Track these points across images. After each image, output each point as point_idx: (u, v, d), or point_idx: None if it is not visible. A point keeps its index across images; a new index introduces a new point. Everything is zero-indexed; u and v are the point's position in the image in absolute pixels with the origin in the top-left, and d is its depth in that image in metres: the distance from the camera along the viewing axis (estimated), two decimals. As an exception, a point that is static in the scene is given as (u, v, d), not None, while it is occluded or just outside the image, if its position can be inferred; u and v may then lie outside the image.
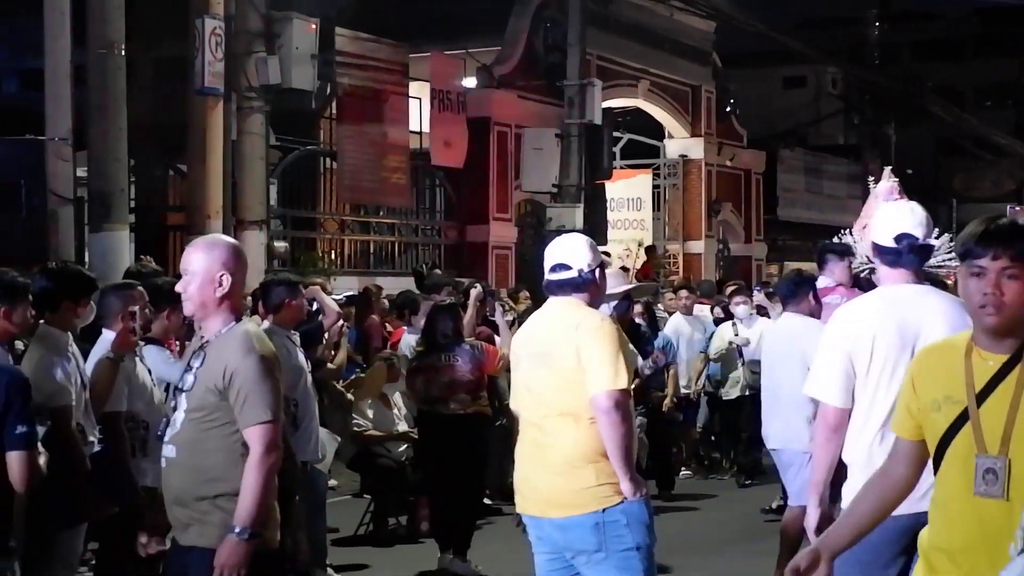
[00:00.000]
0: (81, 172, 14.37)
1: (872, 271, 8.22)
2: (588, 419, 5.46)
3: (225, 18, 15.46)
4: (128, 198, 15.16)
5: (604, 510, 5.43)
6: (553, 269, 5.73)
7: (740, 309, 13.86)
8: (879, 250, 5.37)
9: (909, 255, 5.25)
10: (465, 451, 9.61)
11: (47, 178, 13.72)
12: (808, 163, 34.75)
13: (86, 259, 14.30)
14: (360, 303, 14.36)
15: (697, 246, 28.85)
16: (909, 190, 10.36)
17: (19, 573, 5.54)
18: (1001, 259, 3.43)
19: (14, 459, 5.06)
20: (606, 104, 23.50)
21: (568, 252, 5.72)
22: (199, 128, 15.53)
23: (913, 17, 32.66)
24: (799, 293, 8.76)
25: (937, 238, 9.02)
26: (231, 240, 5.34)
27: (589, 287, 5.67)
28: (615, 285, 7.66)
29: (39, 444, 5.22)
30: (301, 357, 8.02)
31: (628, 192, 26.78)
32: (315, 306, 9.57)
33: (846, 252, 8.86)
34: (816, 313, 8.48)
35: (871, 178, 10.98)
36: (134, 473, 6.70)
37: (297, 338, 8.31)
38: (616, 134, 25.92)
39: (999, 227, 3.49)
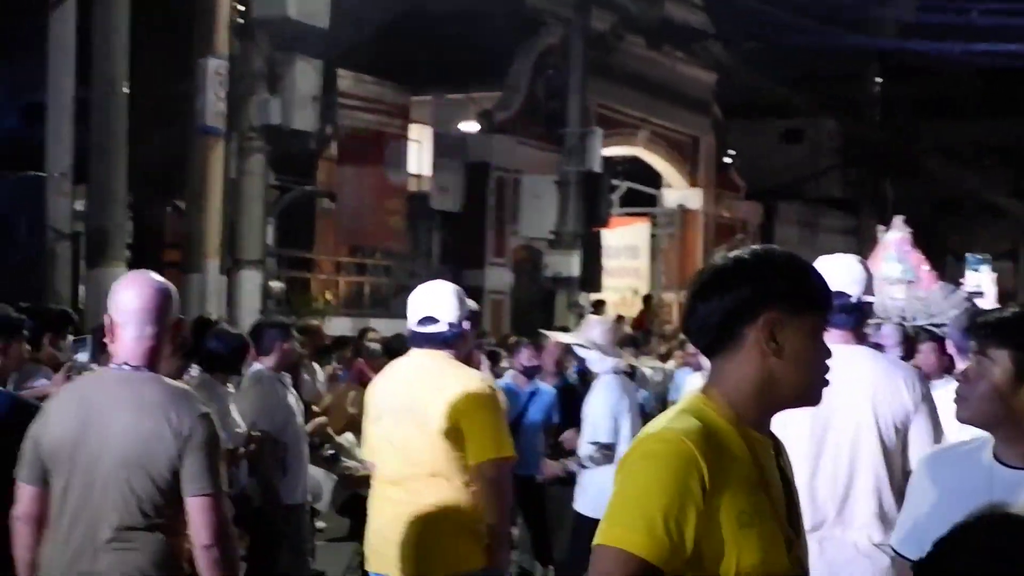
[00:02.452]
0: (79, 206, 14.41)
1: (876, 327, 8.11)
2: (461, 482, 5.33)
3: (229, 58, 15.52)
4: (125, 235, 15.20)
5: (467, 572, 5.32)
6: (421, 321, 5.50)
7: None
8: None
9: (841, 315, 4.79)
10: None
11: (46, 214, 13.76)
12: (804, 216, 34.84)
13: (81, 296, 14.33)
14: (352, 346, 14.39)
15: (693, 296, 28.81)
16: (905, 246, 10.35)
17: None
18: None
19: None
20: (606, 152, 23.61)
21: (435, 304, 5.51)
22: (199, 167, 15.57)
23: (914, 73, 32.73)
24: None
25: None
26: None
27: (457, 341, 5.47)
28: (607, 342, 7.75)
29: None
30: (291, 399, 8.01)
31: (625, 240, 26.86)
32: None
33: None
34: None
35: (881, 227, 10.84)
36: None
37: (288, 380, 8.31)
38: (615, 182, 26.02)
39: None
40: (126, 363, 4.36)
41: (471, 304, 5.67)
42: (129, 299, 4.35)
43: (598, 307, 21.95)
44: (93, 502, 4.28)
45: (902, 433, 4.68)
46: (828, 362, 4.47)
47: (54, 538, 4.35)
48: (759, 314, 2.69)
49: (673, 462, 2.54)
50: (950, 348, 5.96)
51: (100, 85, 13.83)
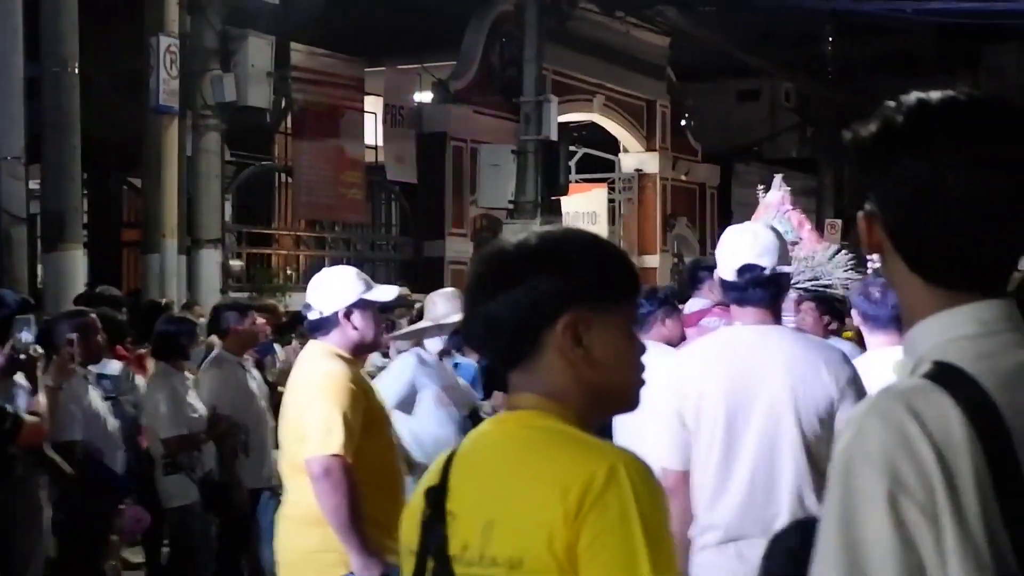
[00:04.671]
0: (34, 185, 14.29)
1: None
2: None
3: (180, 36, 15.42)
4: (81, 216, 15.09)
5: None
6: (305, 306, 5.20)
7: None
8: (723, 286, 4.48)
9: (756, 290, 4.34)
10: None
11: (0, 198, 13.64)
12: (763, 177, 34.85)
13: (39, 279, 14.23)
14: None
15: (652, 260, 28.92)
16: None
17: None
18: None
19: None
20: (562, 119, 23.56)
21: (315, 290, 5.11)
22: (154, 146, 15.48)
23: (870, 32, 32.81)
24: (649, 318, 6.80)
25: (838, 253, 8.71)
26: None
27: (332, 330, 5.01)
28: (449, 312, 6.95)
29: None
30: (253, 384, 7.99)
31: (583, 206, 26.85)
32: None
33: None
34: (676, 340, 6.78)
35: (760, 187, 9.96)
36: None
37: (250, 363, 8.29)
38: (572, 148, 25.99)
39: None
40: None
41: (379, 293, 5.12)
42: None
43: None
44: None
45: (827, 423, 4.17)
46: (745, 344, 4.32)
47: None
48: (557, 315, 2.24)
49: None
50: (856, 317, 5.59)
51: (50, 64, 13.68)
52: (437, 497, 2.28)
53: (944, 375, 1.77)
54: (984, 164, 1.82)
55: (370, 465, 4.85)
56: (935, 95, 1.88)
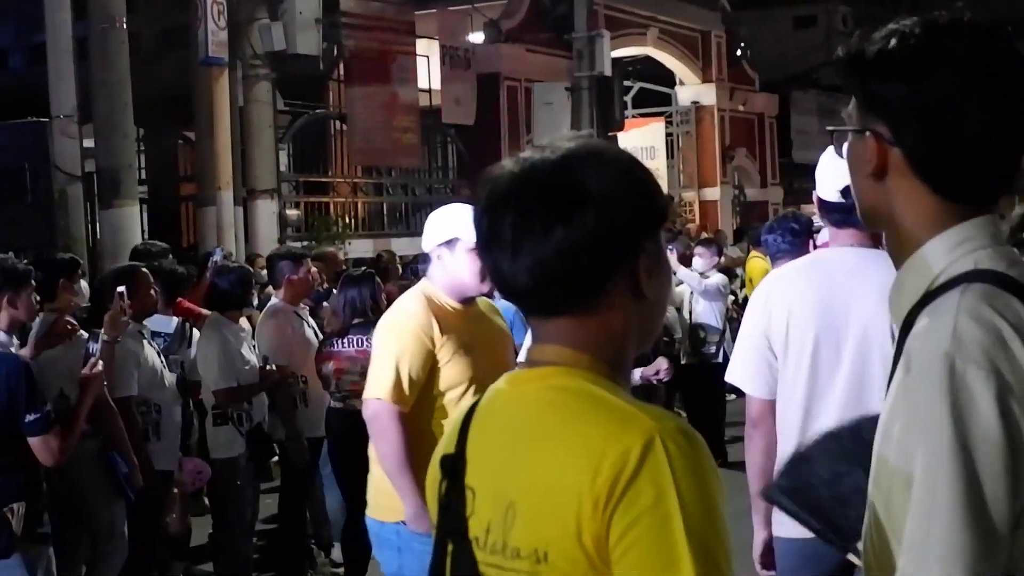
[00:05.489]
0: (88, 144, 14.32)
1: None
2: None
3: (226, -14, 15.35)
4: (137, 172, 15.12)
5: (381, 522, 4.81)
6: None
7: (698, 262, 12.03)
8: (823, 207, 4.32)
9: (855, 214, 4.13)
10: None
11: (53, 157, 13.68)
12: (821, 104, 34.43)
13: (97, 236, 14.29)
14: (376, 270, 14.28)
15: (713, 193, 28.71)
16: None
17: (53, 559, 5.57)
18: None
19: (36, 444, 5.17)
20: (615, 54, 23.33)
21: (425, 227, 4.85)
22: (205, 98, 15.45)
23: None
24: (797, 244, 7.08)
25: None
26: None
27: (431, 270, 4.84)
28: None
29: (59, 423, 5.25)
30: (309, 332, 7.94)
31: (641, 141, 26.61)
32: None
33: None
34: None
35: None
36: (149, 456, 6.70)
37: (305, 312, 8.23)
38: (627, 83, 25.75)
39: None
40: None
41: (451, 231, 4.71)
42: None
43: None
44: None
45: None
46: (842, 268, 4.07)
47: None
48: (633, 255, 1.87)
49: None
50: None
51: (99, 22, 13.67)
52: (454, 467, 1.96)
53: (998, 280, 1.86)
54: (1003, 85, 1.90)
55: (443, 410, 4.65)
56: (958, 18, 1.93)
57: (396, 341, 4.68)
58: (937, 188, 1.93)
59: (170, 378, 7.05)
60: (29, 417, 5.12)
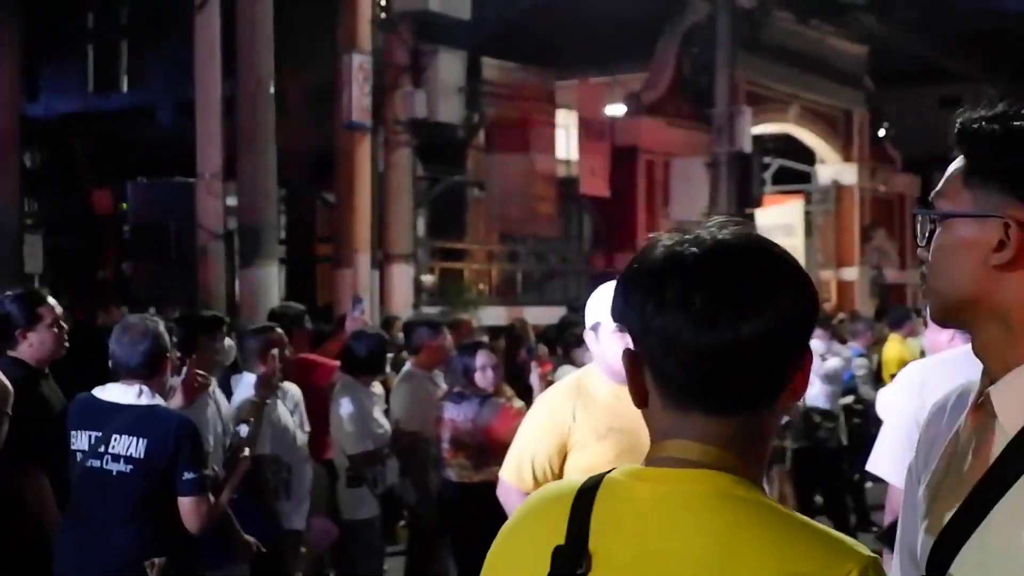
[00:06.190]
0: (231, 201, 14.53)
1: None
2: None
3: (372, 52, 15.52)
4: (278, 231, 15.30)
5: None
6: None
7: (817, 344, 10.81)
8: None
9: None
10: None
11: (197, 215, 13.90)
12: (965, 186, 34.04)
13: (236, 294, 14.45)
14: (509, 339, 14.25)
15: (851, 273, 28.33)
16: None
17: None
18: None
19: (186, 505, 5.11)
20: (756, 130, 23.22)
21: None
22: (346, 161, 15.62)
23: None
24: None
25: None
26: None
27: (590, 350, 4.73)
28: None
29: (208, 488, 5.24)
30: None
31: (779, 219, 26.37)
32: None
33: None
34: None
35: None
36: (279, 515, 6.69)
37: (440, 378, 8.22)
38: (766, 159, 25.60)
39: None
40: None
41: (595, 315, 4.49)
42: None
43: (753, 287, 21.56)
44: None
45: None
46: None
47: None
48: (802, 351, 1.67)
49: None
50: None
51: (247, 82, 13.89)
52: (573, 562, 1.64)
53: None
54: None
55: None
56: None
57: (531, 420, 4.62)
58: None
59: (302, 438, 7.05)
60: (186, 476, 5.11)
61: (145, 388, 5.17)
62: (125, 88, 21.62)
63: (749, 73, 23.92)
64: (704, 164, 22.06)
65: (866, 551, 1.57)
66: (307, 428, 7.17)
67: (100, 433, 5.13)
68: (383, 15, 16.05)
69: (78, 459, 5.17)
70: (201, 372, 5.94)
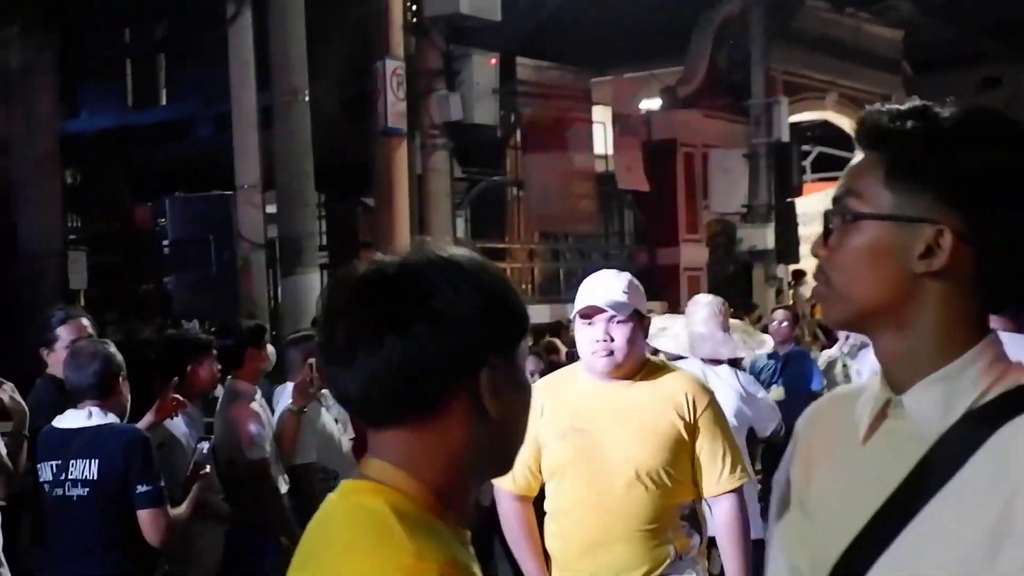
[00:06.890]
0: (270, 210, 14.60)
1: None
2: None
3: (405, 58, 15.57)
4: (318, 240, 15.36)
5: None
6: None
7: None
8: None
9: None
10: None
11: (237, 226, 13.97)
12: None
13: (278, 302, 14.52)
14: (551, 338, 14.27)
15: (893, 258, 28.16)
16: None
17: None
18: None
19: (144, 518, 5.15)
20: (793, 119, 23.14)
21: None
22: (384, 167, 15.66)
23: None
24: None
25: None
26: None
27: None
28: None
29: (166, 500, 5.24)
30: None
31: (820, 206, 26.02)
32: None
33: None
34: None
35: None
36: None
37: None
38: (805, 147, 25.49)
39: None
40: None
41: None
42: None
43: (797, 277, 21.50)
44: None
45: None
46: None
47: None
48: (479, 365, 1.72)
49: None
50: None
51: (281, 93, 13.95)
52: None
53: None
54: None
55: (551, 498, 4.48)
56: None
57: None
58: (989, 295, 1.77)
59: (347, 445, 7.10)
60: (140, 488, 5.12)
61: (96, 409, 5.20)
62: (164, 102, 21.76)
63: (785, 63, 23.84)
64: (743, 155, 22.01)
65: (419, 560, 1.60)
66: (351, 435, 7.22)
67: (60, 461, 5.17)
68: (414, 20, 16.08)
69: (46, 490, 5.21)
70: (176, 395, 5.87)
